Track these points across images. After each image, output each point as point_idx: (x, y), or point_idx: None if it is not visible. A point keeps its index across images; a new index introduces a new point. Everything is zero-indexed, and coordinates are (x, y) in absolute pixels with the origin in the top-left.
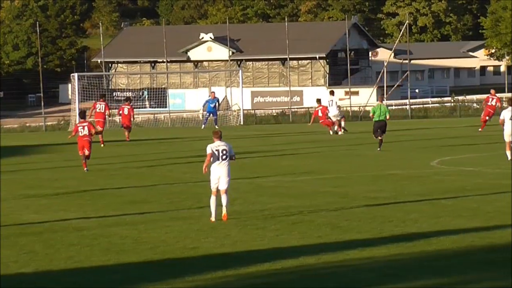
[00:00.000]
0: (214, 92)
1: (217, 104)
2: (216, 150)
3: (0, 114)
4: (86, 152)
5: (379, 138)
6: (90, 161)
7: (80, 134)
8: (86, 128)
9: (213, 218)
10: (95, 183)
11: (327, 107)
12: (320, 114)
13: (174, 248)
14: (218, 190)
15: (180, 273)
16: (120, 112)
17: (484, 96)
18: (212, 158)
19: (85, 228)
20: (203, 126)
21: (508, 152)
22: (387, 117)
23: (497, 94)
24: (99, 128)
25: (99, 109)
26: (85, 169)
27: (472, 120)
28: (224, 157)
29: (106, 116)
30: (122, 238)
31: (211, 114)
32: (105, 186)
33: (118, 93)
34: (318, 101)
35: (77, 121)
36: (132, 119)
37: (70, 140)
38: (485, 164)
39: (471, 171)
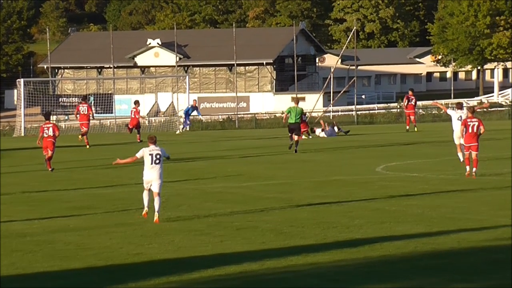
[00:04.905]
0: (195, 100)
1: (195, 112)
2: (150, 154)
3: None
4: (49, 153)
5: (295, 139)
6: (35, 166)
7: (45, 135)
8: (51, 129)
9: (146, 209)
10: (39, 189)
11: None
12: None
13: (117, 254)
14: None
15: (123, 279)
16: (132, 115)
17: (430, 102)
18: (145, 161)
19: (28, 234)
20: (187, 128)
21: (459, 154)
22: (308, 115)
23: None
24: (84, 129)
25: (83, 111)
26: (50, 169)
27: (418, 126)
28: (157, 161)
29: (90, 118)
30: (66, 244)
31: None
32: (50, 192)
33: (64, 98)
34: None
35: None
36: (140, 120)
37: (16, 145)
38: (430, 170)
39: (416, 177)
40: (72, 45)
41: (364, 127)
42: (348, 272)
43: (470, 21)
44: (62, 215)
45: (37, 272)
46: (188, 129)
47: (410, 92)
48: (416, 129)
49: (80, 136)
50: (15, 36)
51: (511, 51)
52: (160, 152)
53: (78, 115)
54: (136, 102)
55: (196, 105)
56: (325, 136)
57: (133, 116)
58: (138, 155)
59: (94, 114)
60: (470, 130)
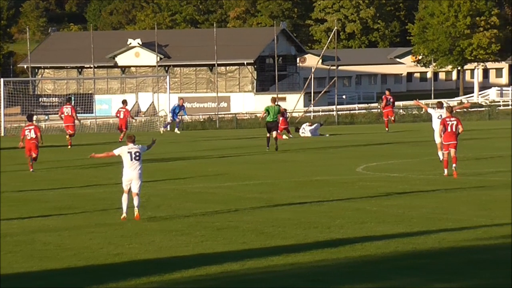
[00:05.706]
0: (182, 99)
1: (182, 111)
2: (129, 152)
3: None
4: (33, 155)
5: (273, 136)
6: (14, 166)
7: (27, 137)
8: (32, 131)
9: (124, 214)
10: (19, 189)
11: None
12: None
13: (98, 254)
14: (130, 190)
15: (104, 279)
16: (118, 115)
17: (410, 102)
18: (124, 160)
19: (8, 234)
20: (167, 128)
21: (440, 153)
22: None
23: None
24: (70, 132)
25: (67, 113)
26: (31, 170)
27: (398, 126)
28: (137, 157)
29: (75, 119)
30: (45, 245)
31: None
32: (29, 192)
33: (45, 98)
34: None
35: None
36: (129, 120)
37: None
38: (411, 170)
39: (397, 177)
40: (52, 45)
41: (344, 127)
42: (329, 272)
43: (450, 21)
44: (41, 215)
45: (17, 273)
46: (168, 128)
47: (387, 92)
48: (393, 119)
49: (67, 136)
50: None
51: (491, 52)
52: (139, 150)
53: (62, 116)
54: (124, 102)
55: (183, 104)
56: (310, 134)
57: (121, 116)
58: (116, 151)
59: (76, 114)
60: (449, 129)
